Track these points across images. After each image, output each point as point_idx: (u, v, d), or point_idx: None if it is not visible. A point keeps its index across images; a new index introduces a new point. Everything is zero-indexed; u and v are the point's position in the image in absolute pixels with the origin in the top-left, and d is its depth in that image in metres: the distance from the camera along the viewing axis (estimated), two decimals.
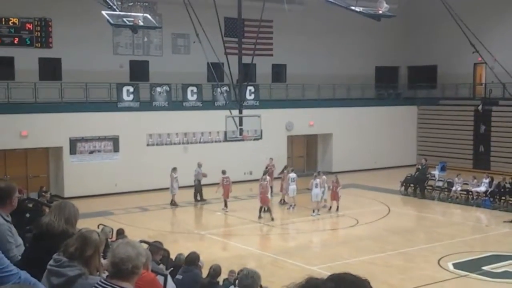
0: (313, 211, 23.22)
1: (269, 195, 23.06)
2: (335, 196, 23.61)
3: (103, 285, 3.41)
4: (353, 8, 21.44)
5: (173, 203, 25.10)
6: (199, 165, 25.96)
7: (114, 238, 12.71)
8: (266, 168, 25.90)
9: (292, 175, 24.66)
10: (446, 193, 26.75)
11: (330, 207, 23.80)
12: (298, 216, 23.63)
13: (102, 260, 3.99)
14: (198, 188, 25.76)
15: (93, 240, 3.84)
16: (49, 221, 4.51)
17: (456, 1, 26.02)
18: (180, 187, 25.28)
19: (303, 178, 26.53)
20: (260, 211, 22.76)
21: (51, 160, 27.82)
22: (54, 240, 4.23)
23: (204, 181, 25.94)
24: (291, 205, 24.56)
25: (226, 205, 24.11)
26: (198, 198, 25.73)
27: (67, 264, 3.71)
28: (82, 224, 4.99)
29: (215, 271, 10.46)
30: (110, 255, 3.44)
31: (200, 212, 24.59)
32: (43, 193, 22.03)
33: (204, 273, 10.80)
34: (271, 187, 24.41)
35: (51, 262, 3.81)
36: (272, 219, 22.46)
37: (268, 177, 23.82)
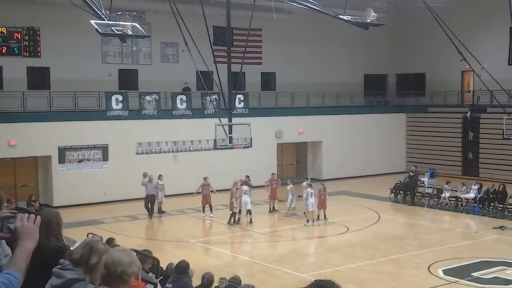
0: (308, 221, 23.04)
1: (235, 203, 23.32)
2: (322, 204, 23.62)
3: None
4: (341, 17, 21.55)
5: (160, 211, 25.06)
6: (151, 179, 24.59)
7: None
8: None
9: (290, 186, 24.89)
10: (435, 199, 26.88)
11: (318, 216, 23.74)
12: (287, 224, 23.62)
13: None
14: (150, 200, 24.54)
15: (99, 249, 3.90)
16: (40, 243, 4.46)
17: (444, 9, 26.26)
18: (167, 196, 25.31)
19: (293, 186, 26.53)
20: (231, 217, 23.19)
21: (40, 169, 27.67)
22: (45, 258, 4.20)
23: (186, 189, 25.87)
24: (287, 213, 24.62)
25: (204, 211, 24.49)
26: (157, 211, 24.62)
27: (68, 268, 3.79)
28: (72, 233, 4.98)
29: (209, 280, 10.39)
30: (105, 257, 3.51)
31: (190, 220, 24.52)
32: (32, 202, 21.92)
33: (194, 281, 10.75)
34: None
35: (58, 266, 3.90)
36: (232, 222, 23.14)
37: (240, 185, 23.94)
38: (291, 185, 25.22)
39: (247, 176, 25.14)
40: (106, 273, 3.44)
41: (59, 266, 3.88)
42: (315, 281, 3.00)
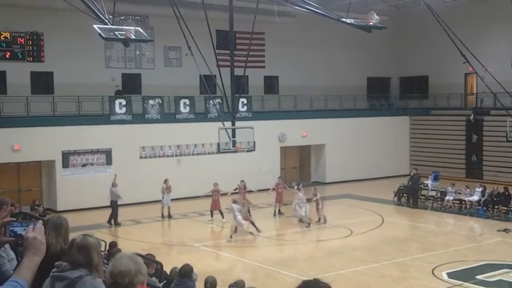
0: (231, 237, 21.24)
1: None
2: (318, 212, 23.56)
3: None
4: (344, 20, 21.54)
5: (164, 215, 25.04)
6: (114, 185, 24.16)
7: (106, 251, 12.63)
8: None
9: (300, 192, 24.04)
10: (439, 202, 26.83)
11: (320, 219, 23.67)
12: (291, 227, 23.59)
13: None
14: (115, 210, 23.90)
15: (93, 244, 3.90)
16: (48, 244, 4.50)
17: (446, 12, 26.24)
18: (171, 199, 25.30)
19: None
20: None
21: (44, 173, 27.72)
22: (50, 258, 4.22)
23: (189, 193, 25.81)
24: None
25: (212, 215, 24.47)
26: (112, 222, 23.82)
27: (68, 268, 3.80)
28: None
29: (212, 284, 10.36)
30: (111, 265, 3.46)
31: (193, 224, 24.51)
32: (36, 207, 21.95)
33: (198, 285, 10.75)
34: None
35: (54, 269, 3.88)
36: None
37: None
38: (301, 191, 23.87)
39: (242, 181, 25.15)
40: (112, 282, 3.41)
41: (56, 269, 3.85)
42: (303, 282, 3.08)
